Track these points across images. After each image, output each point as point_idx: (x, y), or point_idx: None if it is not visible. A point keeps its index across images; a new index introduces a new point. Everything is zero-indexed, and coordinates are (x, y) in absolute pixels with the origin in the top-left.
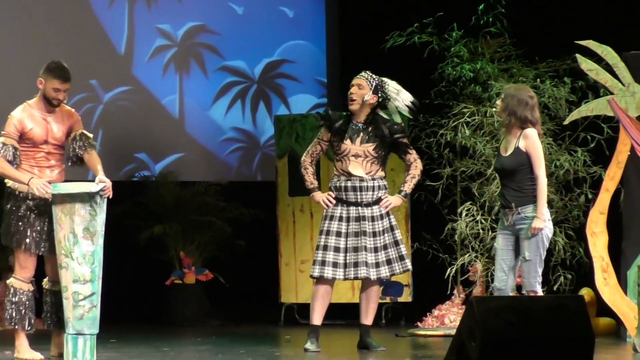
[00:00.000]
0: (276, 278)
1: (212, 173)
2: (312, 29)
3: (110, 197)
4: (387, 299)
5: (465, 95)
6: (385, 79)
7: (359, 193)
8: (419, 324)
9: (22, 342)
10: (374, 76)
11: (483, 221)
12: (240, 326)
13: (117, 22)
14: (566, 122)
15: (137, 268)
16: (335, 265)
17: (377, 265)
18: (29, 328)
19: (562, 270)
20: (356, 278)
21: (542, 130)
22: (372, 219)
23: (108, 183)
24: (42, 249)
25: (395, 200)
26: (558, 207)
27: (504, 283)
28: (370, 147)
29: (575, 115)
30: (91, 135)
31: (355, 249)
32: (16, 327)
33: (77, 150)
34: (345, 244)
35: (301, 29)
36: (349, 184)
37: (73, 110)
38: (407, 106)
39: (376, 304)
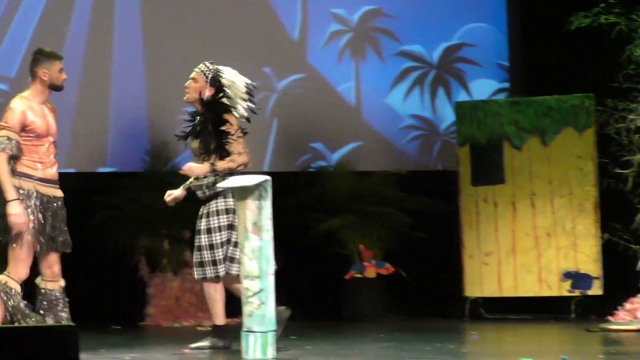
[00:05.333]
0: (459, 271)
1: (390, 162)
2: (493, 11)
3: None
4: (577, 292)
5: None
6: (222, 68)
7: (196, 192)
8: (610, 318)
9: None
10: (210, 67)
11: None
12: (422, 321)
13: (291, 8)
14: None
15: (314, 262)
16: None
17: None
18: None
19: None
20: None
21: None
22: (200, 216)
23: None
24: (47, 247)
25: (197, 169)
26: None
27: None
28: (196, 143)
29: None
30: None
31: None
32: None
33: None
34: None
35: (481, 11)
36: (194, 182)
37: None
38: (245, 92)
39: (209, 303)
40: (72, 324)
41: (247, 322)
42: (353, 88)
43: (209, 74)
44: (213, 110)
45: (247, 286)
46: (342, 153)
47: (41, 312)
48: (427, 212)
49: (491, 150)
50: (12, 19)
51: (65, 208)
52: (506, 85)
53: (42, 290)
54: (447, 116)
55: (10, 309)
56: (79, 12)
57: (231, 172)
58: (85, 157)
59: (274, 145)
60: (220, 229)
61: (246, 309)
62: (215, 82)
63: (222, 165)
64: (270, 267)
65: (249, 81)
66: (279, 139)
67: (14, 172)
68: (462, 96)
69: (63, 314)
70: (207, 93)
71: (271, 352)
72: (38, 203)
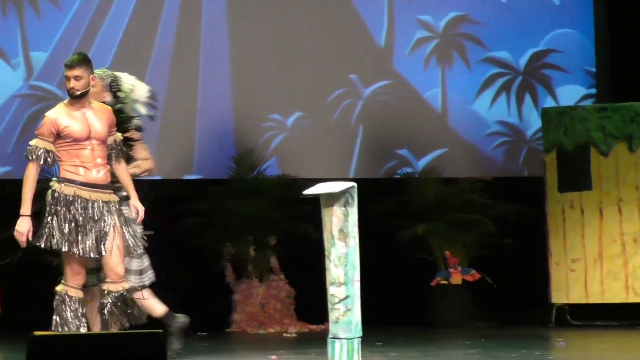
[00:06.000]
0: (546, 278)
1: (476, 169)
2: (580, 16)
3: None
4: None
5: None
6: (120, 75)
7: None
8: None
9: None
10: (108, 73)
11: None
12: (508, 328)
13: (377, 15)
14: None
15: (400, 268)
16: None
17: None
18: None
19: None
20: None
21: None
22: None
23: (141, 211)
24: (93, 251)
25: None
26: None
27: None
28: None
29: None
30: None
31: None
32: None
33: (111, 155)
34: None
35: (568, 17)
36: None
37: (110, 108)
38: (146, 100)
39: (145, 309)
40: (159, 330)
41: (333, 328)
42: (439, 94)
43: (107, 79)
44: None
45: (333, 293)
46: (428, 159)
47: (105, 314)
48: (513, 218)
49: (578, 156)
50: (98, 29)
51: (121, 211)
52: (593, 91)
53: (105, 292)
54: (534, 122)
55: (70, 317)
56: (165, 21)
57: (135, 178)
58: (172, 165)
59: (360, 152)
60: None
61: (332, 316)
62: (113, 88)
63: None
64: (356, 273)
65: (148, 87)
66: (365, 145)
67: (58, 178)
68: (548, 102)
69: (130, 317)
70: (107, 99)
71: (357, 358)
72: (79, 208)
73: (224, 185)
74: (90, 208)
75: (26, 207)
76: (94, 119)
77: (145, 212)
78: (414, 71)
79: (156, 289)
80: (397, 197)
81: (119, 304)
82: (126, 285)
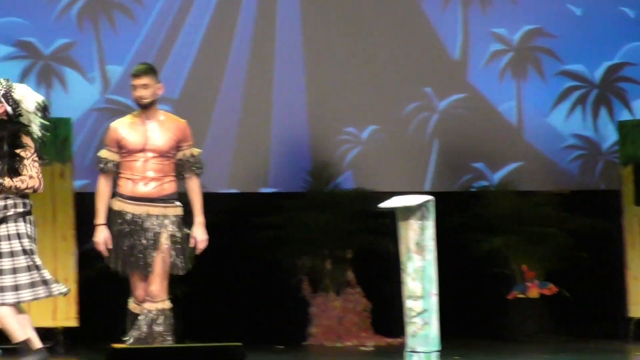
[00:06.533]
0: (623, 291)
1: (552, 182)
2: None
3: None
4: None
5: None
6: (14, 85)
7: None
8: None
9: None
10: (3, 83)
11: None
12: (586, 342)
13: (451, 28)
14: None
15: (476, 281)
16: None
17: None
18: None
19: None
20: None
21: None
22: None
23: (200, 243)
24: (131, 267)
25: None
26: None
27: None
28: None
29: None
30: (198, 157)
31: None
32: None
33: (181, 169)
34: None
35: None
36: None
37: (184, 122)
38: (37, 108)
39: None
40: (239, 343)
41: (410, 342)
42: (514, 107)
43: (2, 90)
44: (8, 130)
45: (410, 306)
46: (504, 173)
47: (137, 331)
48: (589, 232)
49: None
50: (173, 43)
51: (171, 227)
52: None
53: (138, 310)
54: (609, 135)
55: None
56: (240, 34)
57: (18, 192)
58: (247, 178)
59: (435, 165)
60: (12, 254)
61: (409, 330)
62: (8, 99)
63: (9, 182)
64: (433, 287)
65: (41, 97)
66: (440, 158)
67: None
68: (624, 115)
69: (163, 335)
70: (6, 109)
71: None
72: (125, 222)
73: (299, 199)
74: (136, 222)
75: (98, 218)
76: (156, 131)
77: (222, 225)
78: (489, 84)
79: (233, 302)
80: (472, 211)
81: (153, 323)
82: (161, 305)
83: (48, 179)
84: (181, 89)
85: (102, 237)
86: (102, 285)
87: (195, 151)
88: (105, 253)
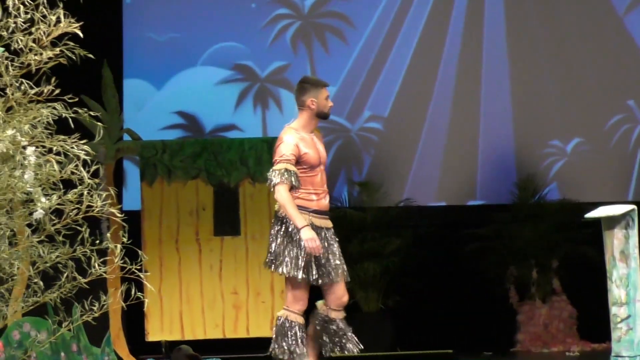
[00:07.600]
0: None
1: None
2: None
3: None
4: None
5: None
6: None
7: None
8: None
9: None
10: None
11: None
12: None
13: None
14: None
15: None
16: None
17: None
18: None
19: None
20: None
21: None
22: None
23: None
24: (323, 278)
25: None
26: None
27: None
28: None
29: None
30: None
31: None
32: None
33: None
34: None
35: None
36: None
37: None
38: None
39: None
40: (449, 350)
41: (615, 347)
42: None
43: None
44: None
45: (615, 312)
46: None
47: (324, 339)
48: None
49: None
50: (384, 61)
51: (337, 238)
52: None
53: (324, 317)
54: None
55: (291, 342)
56: (447, 53)
57: None
58: (456, 191)
59: (638, 175)
60: None
61: (615, 335)
62: None
63: None
64: (638, 293)
65: None
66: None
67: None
68: None
69: (349, 345)
70: None
71: None
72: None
73: (506, 211)
74: (321, 235)
75: (300, 220)
76: (318, 143)
77: (432, 237)
78: None
79: (442, 310)
80: None
81: (340, 332)
82: (342, 315)
83: None
84: (390, 106)
85: (314, 233)
86: None
87: None
88: (320, 250)
